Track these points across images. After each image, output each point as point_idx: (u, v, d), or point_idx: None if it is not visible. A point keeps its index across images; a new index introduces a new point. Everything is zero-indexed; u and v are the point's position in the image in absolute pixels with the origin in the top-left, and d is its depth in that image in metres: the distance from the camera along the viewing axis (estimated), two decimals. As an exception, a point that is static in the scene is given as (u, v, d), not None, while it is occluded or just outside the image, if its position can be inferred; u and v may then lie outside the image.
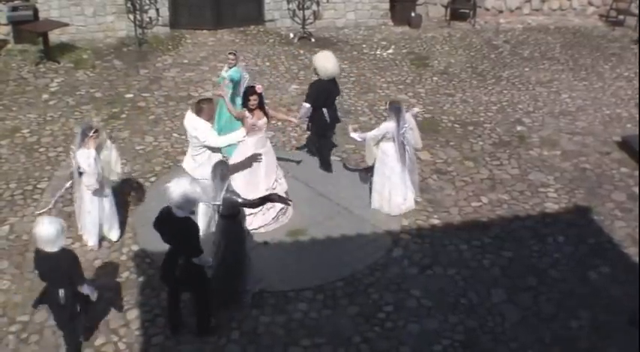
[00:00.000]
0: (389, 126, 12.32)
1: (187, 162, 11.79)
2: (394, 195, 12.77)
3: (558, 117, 16.97)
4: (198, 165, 11.47)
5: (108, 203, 11.76)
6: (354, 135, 12.76)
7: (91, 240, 11.84)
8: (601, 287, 11.33)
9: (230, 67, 14.16)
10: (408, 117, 12.57)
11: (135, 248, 11.88)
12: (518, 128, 16.32)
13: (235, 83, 13.95)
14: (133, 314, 10.45)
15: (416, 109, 13.91)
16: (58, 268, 8.77)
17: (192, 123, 11.30)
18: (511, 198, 13.60)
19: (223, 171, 9.96)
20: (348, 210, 12.99)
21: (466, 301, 10.95)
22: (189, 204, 9.03)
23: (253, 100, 11.69)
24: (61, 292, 8.90)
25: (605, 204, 13.54)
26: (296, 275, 11.25)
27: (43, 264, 8.84)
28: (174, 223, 9.08)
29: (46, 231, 8.51)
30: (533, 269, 11.69)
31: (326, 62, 13.50)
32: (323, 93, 13.57)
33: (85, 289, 9.12)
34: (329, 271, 11.38)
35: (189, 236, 9.12)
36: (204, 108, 11.28)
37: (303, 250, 11.90)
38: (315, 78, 14.04)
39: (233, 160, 11.91)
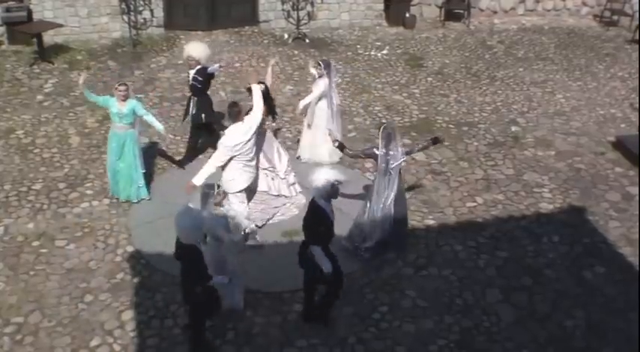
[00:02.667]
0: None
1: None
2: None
3: (553, 118, 16.99)
4: (230, 179, 11.52)
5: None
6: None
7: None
8: (596, 286, 11.37)
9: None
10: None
11: (130, 249, 11.88)
12: (513, 128, 16.33)
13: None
14: (128, 316, 10.47)
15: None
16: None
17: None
18: (506, 198, 13.62)
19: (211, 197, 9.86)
20: (341, 211, 12.95)
21: (461, 301, 10.97)
22: (194, 235, 9.05)
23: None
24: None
25: (599, 204, 13.57)
26: (291, 276, 11.21)
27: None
28: (182, 250, 9.19)
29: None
30: (528, 269, 11.72)
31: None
32: None
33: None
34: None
35: (196, 263, 9.13)
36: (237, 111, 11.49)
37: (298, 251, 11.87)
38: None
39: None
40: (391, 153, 11.31)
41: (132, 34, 20.21)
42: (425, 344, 10.14)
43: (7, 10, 19.60)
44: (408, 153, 11.78)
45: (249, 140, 11.29)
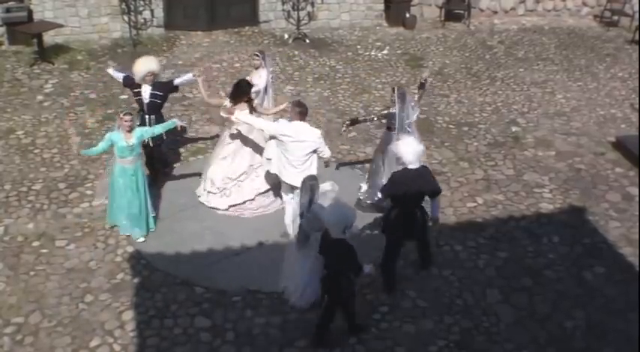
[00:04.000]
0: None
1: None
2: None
3: (553, 118, 16.99)
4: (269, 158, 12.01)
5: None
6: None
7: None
8: (596, 287, 11.36)
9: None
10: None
11: (130, 249, 11.87)
12: (513, 129, 16.33)
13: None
14: (129, 316, 10.46)
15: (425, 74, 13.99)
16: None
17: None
18: (506, 198, 13.62)
19: (313, 187, 10.12)
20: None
21: (461, 302, 10.97)
22: (342, 228, 9.30)
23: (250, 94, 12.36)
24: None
25: (599, 205, 13.57)
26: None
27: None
28: (330, 244, 9.43)
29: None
30: (528, 269, 11.72)
31: None
32: None
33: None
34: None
35: (348, 255, 9.35)
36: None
37: (298, 251, 11.89)
38: None
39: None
40: (405, 111, 12.12)
41: (132, 34, 20.21)
42: (425, 344, 10.14)
43: (8, 10, 19.61)
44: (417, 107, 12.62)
45: (290, 141, 11.37)
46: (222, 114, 12.53)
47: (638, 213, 13.26)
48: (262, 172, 12.70)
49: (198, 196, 13.00)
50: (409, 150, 10.43)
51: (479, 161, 14.84)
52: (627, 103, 17.94)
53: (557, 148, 15.50)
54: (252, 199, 12.83)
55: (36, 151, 14.68)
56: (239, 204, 12.80)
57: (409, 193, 10.45)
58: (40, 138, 15.14)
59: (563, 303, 10.99)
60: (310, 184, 10.06)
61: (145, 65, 12.69)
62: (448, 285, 11.31)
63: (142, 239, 11.99)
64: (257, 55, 13.72)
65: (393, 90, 12.38)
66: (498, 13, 24.23)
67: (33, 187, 13.47)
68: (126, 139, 11.44)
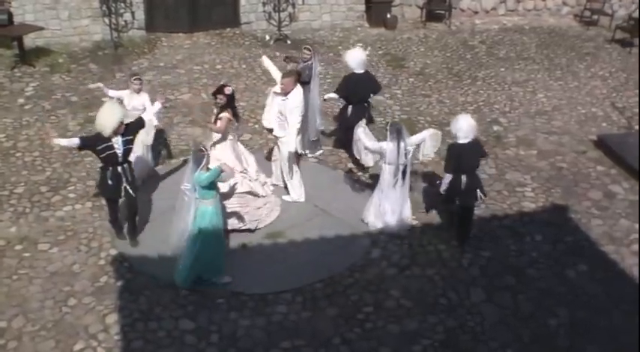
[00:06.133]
0: (384, 146, 12.11)
1: None
2: (388, 210, 12.51)
3: (534, 117, 17.06)
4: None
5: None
6: (359, 133, 12.67)
7: None
8: (579, 285, 11.43)
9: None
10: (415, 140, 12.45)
11: (113, 252, 11.84)
12: (495, 128, 16.39)
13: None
14: (112, 319, 10.43)
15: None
16: None
17: None
18: (488, 197, 13.64)
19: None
20: (326, 211, 13.00)
21: (445, 301, 11.00)
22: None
23: (219, 99, 11.99)
24: None
25: (581, 203, 13.64)
26: (275, 277, 11.25)
27: None
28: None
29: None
30: (512, 268, 11.77)
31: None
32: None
33: None
34: (308, 273, 11.41)
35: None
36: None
37: (281, 252, 11.90)
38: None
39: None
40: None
41: (113, 36, 20.15)
42: (410, 344, 10.16)
43: (-13, 13, 19.53)
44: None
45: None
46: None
47: (619, 211, 13.35)
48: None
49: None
50: (465, 125, 11.84)
51: (461, 160, 14.87)
52: (608, 102, 18.04)
53: (539, 147, 15.56)
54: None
55: (17, 154, 14.60)
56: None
57: (469, 162, 11.93)
58: (22, 142, 15.07)
59: (547, 301, 11.04)
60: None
61: (115, 115, 11.11)
62: (432, 285, 11.34)
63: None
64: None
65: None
66: (479, 13, 24.29)
67: (15, 191, 13.40)
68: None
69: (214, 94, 12.09)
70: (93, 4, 20.30)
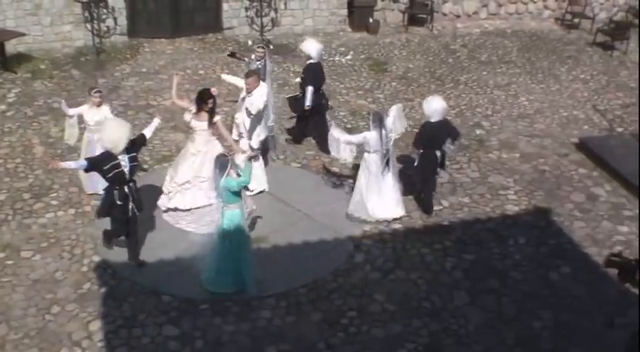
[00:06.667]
0: (368, 136, 12.44)
1: None
2: (369, 200, 12.76)
3: (516, 120, 17.12)
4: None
5: None
6: (334, 132, 12.88)
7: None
8: (562, 287, 11.48)
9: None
10: (390, 123, 12.73)
11: (96, 259, 11.81)
12: (477, 131, 16.44)
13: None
14: (96, 326, 10.41)
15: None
16: None
17: None
18: (471, 201, 13.70)
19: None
20: (309, 216, 13.00)
21: (429, 304, 11.03)
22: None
23: (211, 104, 12.23)
24: None
25: (564, 205, 13.70)
26: (259, 282, 11.24)
27: None
28: None
29: None
30: (495, 271, 11.80)
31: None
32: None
33: None
34: (291, 278, 11.41)
35: None
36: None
37: (265, 257, 11.86)
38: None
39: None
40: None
41: (95, 42, 20.09)
42: (394, 348, 10.18)
43: (-32, 19, 19.44)
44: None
45: None
46: (186, 118, 12.52)
47: (602, 214, 13.42)
48: (206, 188, 12.50)
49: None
50: (437, 107, 12.76)
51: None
52: (589, 105, 18.11)
53: (522, 150, 15.62)
54: (188, 210, 12.73)
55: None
56: (179, 210, 12.73)
57: (438, 138, 12.86)
58: (4, 149, 15.01)
59: (531, 304, 11.08)
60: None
61: (125, 130, 10.78)
62: (416, 288, 11.36)
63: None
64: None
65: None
66: (461, 17, 24.34)
67: (-3, 198, 13.38)
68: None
69: (205, 100, 12.20)
70: (75, 10, 20.22)
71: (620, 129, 16.81)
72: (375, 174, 12.61)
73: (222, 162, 10.39)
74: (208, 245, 11.14)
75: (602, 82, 19.57)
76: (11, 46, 19.48)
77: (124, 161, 10.74)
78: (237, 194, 10.54)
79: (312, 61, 14.87)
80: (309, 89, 14.61)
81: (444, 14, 24.14)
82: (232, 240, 10.69)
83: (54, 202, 13.26)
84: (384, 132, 12.38)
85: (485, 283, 11.52)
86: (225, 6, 21.68)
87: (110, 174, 10.72)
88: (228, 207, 10.56)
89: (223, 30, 21.83)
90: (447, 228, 12.91)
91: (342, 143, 12.70)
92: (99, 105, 12.95)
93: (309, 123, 15.25)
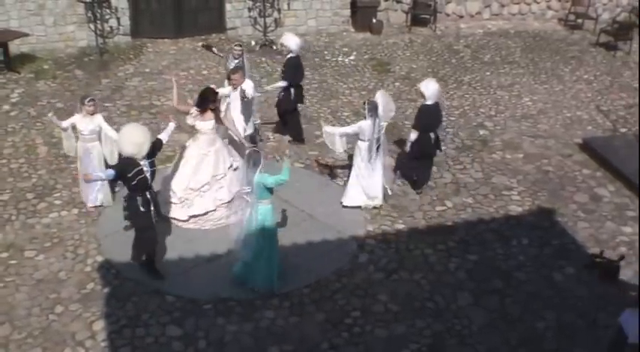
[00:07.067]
0: (363, 125, 12.70)
1: None
2: (361, 186, 13.11)
3: (520, 121, 17.11)
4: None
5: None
6: (326, 128, 13.21)
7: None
8: (566, 288, 11.46)
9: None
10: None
11: (99, 259, 11.80)
12: (481, 132, 16.43)
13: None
14: (99, 326, 10.40)
15: None
16: None
17: None
18: (475, 201, 13.69)
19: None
20: (312, 216, 13.00)
21: (433, 305, 11.01)
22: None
23: (215, 102, 12.40)
24: None
25: (567, 206, 13.68)
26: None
27: None
28: None
29: None
30: (499, 271, 11.78)
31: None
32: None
33: None
34: (295, 278, 11.39)
35: None
36: None
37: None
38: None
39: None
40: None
41: (99, 42, 20.10)
42: (397, 348, 10.16)
43: (-28, 20, 19.45)
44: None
45: None
46: (189, 121, 12.48)
47: (605, 214, 13.41)
48: (225, 183, 12.63)
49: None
50: (435, 88, 13.33)
51: (447, 164, 14.91)
52: (593, 105, 18.10)
53: (525, 151, 15.61)
54: (214, 210, 12.66)
55: (3, 161, 14.55)
56: (200, 215, 12.60)
57: (434, 120, 13.48)
58: (7, 148, 15.02)
59: (534, 304, 11.07)
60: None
61: (146, 134, 10.65)
62: (419, 289, 11.35)
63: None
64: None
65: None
66: (464, 17, 24.35)
67: (0, 198, 13.35)
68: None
69: (210, 99, 12.25)
70: (78, 10, 20.23)
71: (623, 130, 16.81)
72: (367, 161, 12.90)
73: (256, 158, 10.46)
74: (240, 241, 11.04)
75: (605, 83, 19.56)
76: (15, 47, 19.50)
77: (145, 167, 10.58)
78: (270, 190, 10.59)
79: (292, 55, 15.10)
80: (282, 83, 15.17)
81: (447, 15, 24.16)
82: (265, 235, 10.76)
83: (57, 202, 13.26)
84: (377, 120, 12.69)
85: (489, 283, 11.51)
86: (228, 6, 21.71)
87: (134, 181, 10.51)
88: (261, 202, 10.61)
89: (226, 30, 21.84)
90: (451, 229, 12.90)
91: (337, 136, 13.02)
92: (92, 114, 12.62)
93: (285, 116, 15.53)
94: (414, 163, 13.84)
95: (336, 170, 14.42)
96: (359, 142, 12.88)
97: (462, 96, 18.38)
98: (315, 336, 10.29)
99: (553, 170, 14.90)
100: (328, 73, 19.62)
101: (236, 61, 14.86)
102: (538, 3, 24.74)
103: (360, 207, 13.23)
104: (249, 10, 21.72)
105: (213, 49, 15.78)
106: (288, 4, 22.01)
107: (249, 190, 10.61)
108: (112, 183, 12.64)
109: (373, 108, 12.64)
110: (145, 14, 21.18)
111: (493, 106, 17.88)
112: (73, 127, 12.68)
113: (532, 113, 17.58)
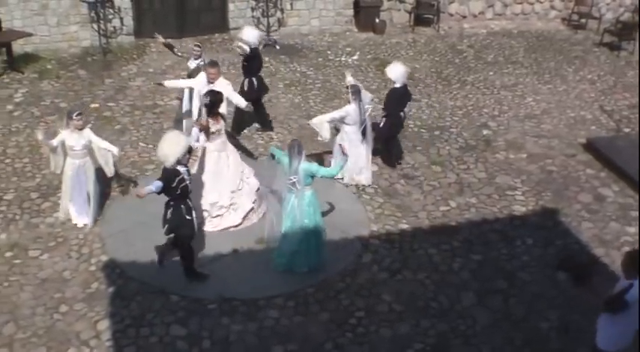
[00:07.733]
0: (349, 109, 13.47)
1: None
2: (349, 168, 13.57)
3: (523, 121, 17.10)
4: None
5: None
6: (314, 119, 14.06)
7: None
8: (570, 288, 11.42)
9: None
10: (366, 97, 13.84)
11: (104, 258, 11.81)
12: (484, 132, 16.42)
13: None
14: (104, 325, 10.41)
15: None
16: None
17: None
18: (479, 201, 13.69)
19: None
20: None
21: (437, 305, 11.01)
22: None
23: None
24: None
25: (571, 206, 13.68)
26: (266, 282, 11.25)
27: None
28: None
29: None
30: (503, 271, 11.78)
31: None
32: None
33: None
34: (299, 278, 11.40)
35: None
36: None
37: (272, 257, 11.86)
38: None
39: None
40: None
41: (102, 42, 20.13)
42: (402, 348, 10.16)
43: (-25, 20, 19.47)
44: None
45: None
46: (200, 144, 12.13)
47: (609, 214, 13.41)
48: (253, 183, 12.87)
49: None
50: (401, 70, 14.11)
51: (451, 164, 14.92)
52: (596, 105, 18.09)
53: (529, 151, 15.61)
54: (240, 223, 12.67)
55: (7, 161, 14.57)
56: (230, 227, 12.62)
57: (403, 101, 14.33)
58: (11, 148, 15.03)
59: (538, 305, 11.06)
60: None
61: (181, 143, 10.62)
62: (423, 289, 11.35)
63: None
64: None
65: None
66: (467, 17, 24.35)
67: (5, 197, 13.37)
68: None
69: (220, 103, 12.21)
70: (81, 10, 20.26)
71: (627, 130, 16.80)
72: (355, 143, 13.57)
73: (300, 147, 11.00)
74: (279, 233, 11.54)
75: (609, 83, 19.55)
76: (18, 46, 19.52)
77: (185, 175, 10.61)
78: (312, 177, 11.18)
79: (253, 48, 15.53)
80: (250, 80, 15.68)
81: (451, 14, 24.18)
82: (310, 219, 11.22)
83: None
84: (361, 103, 13.51)
85: (493, 283, 11.51)
86: (231, 6, 21.76)
87: (178, 190, 10.53)
88: (305, 188, 11.13)
89: (229, 30, 21.85)
90: (455, 229, 12.90)
91: (324, 122, 13.65)
92: (81, 128, 12.25)
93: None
94: (387, 142, 14.81)
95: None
96: (345, 127, 13.70)
97: (465, 96, 18.38)
98: (319, 336, 10.29)
99: (557, 170, 14.89)
100: (331, 72, 19.62)
101: (196, 61, 15.03)
102: (541, 3, 24.74)
103: (344, 182, 14.06)
104: (252, 9, 21.76)
105: (174, 49, 15.76)
106: (291, 4, 22.05)
107: (295, 179, 11.03)
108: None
109: (356, 92, 13.48)
110: (147, 14, 21.21)
111: (496, 106, 17.88)
112: (62, 144, 12.29)
113: (536, 113, 17.58)
